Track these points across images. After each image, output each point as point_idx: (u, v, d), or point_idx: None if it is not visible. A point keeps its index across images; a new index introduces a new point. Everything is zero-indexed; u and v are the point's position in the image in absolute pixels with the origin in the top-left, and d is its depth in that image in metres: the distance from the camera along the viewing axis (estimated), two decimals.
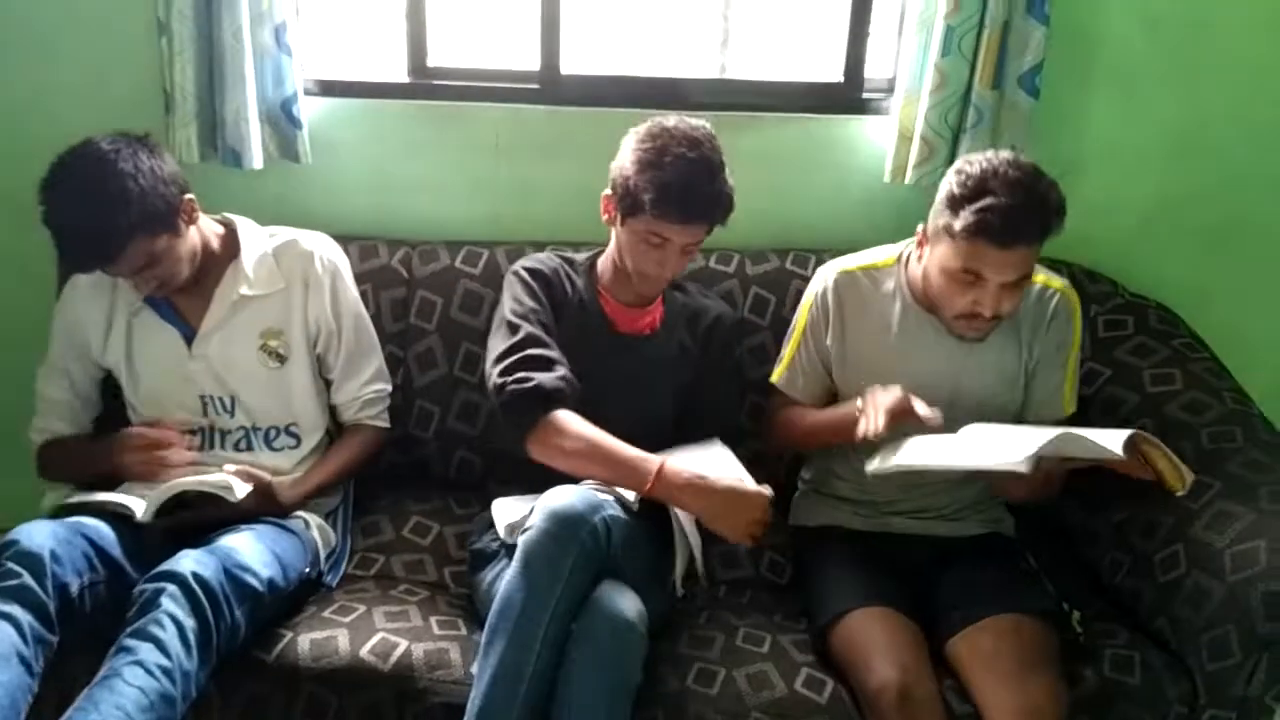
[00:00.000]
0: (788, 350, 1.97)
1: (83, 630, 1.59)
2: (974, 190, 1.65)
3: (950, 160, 2.17)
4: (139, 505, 1.71)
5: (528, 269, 1.92)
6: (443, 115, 2.27)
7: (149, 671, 1.47)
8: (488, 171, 2.29)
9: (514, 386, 1.75)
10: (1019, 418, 1.88)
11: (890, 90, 2.28)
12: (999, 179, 1.64)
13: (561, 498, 1.62)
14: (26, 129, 2.21)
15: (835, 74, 2.31)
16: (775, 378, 1.98)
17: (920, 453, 1.68)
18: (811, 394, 1.95)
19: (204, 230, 1.89)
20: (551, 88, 2.28)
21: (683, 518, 1.76)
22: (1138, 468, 1.60)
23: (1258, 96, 2.22)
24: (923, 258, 1.80)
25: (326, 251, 1.99)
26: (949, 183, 1.71)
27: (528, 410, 1.75)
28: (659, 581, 1.77)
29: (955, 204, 1.67)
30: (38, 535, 1.56)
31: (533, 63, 2.28)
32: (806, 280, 2.18)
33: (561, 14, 2.23)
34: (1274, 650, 1.66)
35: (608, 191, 1.84)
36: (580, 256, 2.01)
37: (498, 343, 1.83)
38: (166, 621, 1.52)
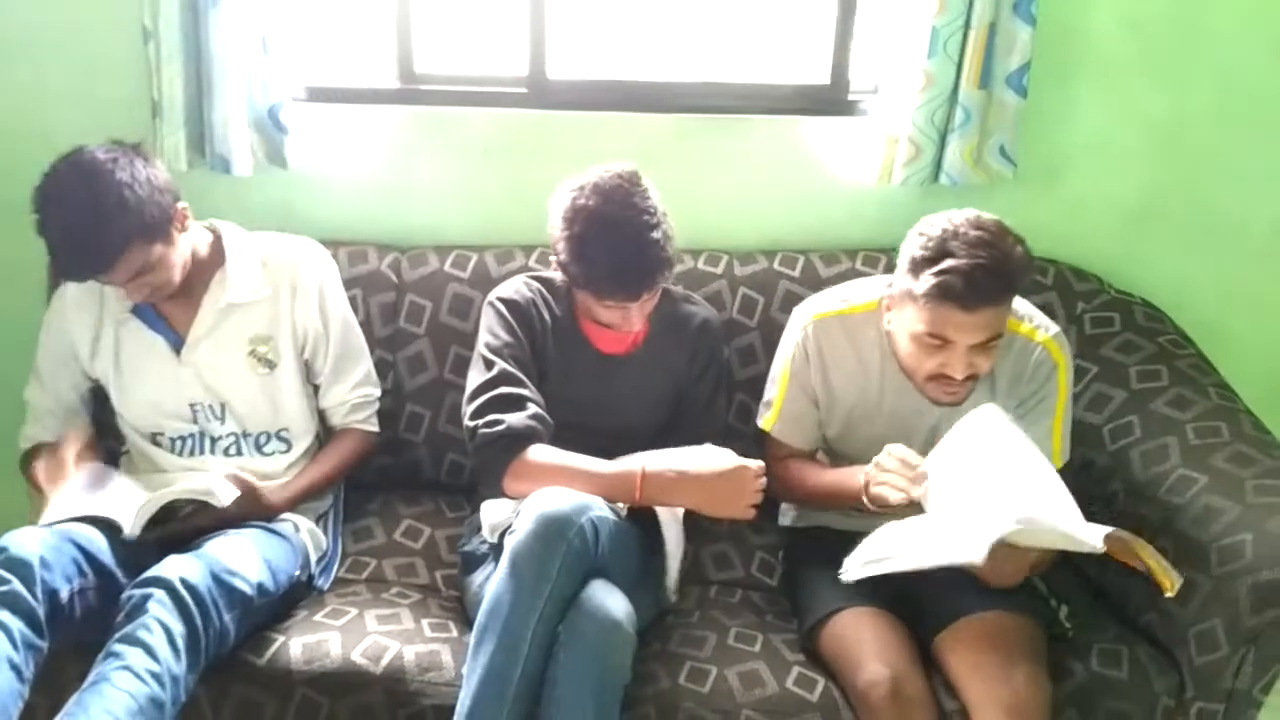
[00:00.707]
0: (776, 397, 1.90)
1: (72, 636, 1.60)
2: (935, 252, 1.61)
3: (938, 160, 2.18)
4: (127, 520, 1.70)
5: (504, 300, 1.91)
6: (431, 120, 2.27)
7: (137, 676, 1.48)
8: (476, 176, 2.29)
9: (484, 430, 1.76)
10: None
11: (877, 91, 2.29)
12: (960, 239, 1.60)
13: (548, 500, 1.62)
14: (15, 136, 2.21)
15: (822, 76, 2.31)
16: (768, 426, 1.91)
17: (885, 550, 1.61)
18: (807, 438, 1.91)
19: (193, 237, 1.89)
20: (539, 92, 2.29)
21: (666, 524, 1.76)
22: (1127, 557, 1.55)
23: (1242, 94, 2.23)
24: (890, 321, 1.76)
25: (314, 257, 2.00)
26: (910, 245, 1.66)
27: (499, 454, 1.75)
28: (647, 582, 1.78)
29: (916, 267, 1.63)
30: (27, 542, 1.57)
31: (520, 68, 2.28)
32: (795, 281, 2.20)
33: (548, 18, 2.24)
34: (1261, 643, 1.67)
35: (554, 257, 1.83)
36: (559, 278, 1.98)
37: (473, 377, 1.85)
38: (154, 626, 1.52)
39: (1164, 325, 2.19)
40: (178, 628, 1.54)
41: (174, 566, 1.60)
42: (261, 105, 2.16)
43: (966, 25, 2.08)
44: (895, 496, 1.65)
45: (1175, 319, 2.21)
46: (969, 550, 1.50)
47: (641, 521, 1.75)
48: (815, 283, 2.20)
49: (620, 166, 1.78)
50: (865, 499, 1.70)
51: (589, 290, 1.78)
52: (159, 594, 1.55)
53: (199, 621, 1.57)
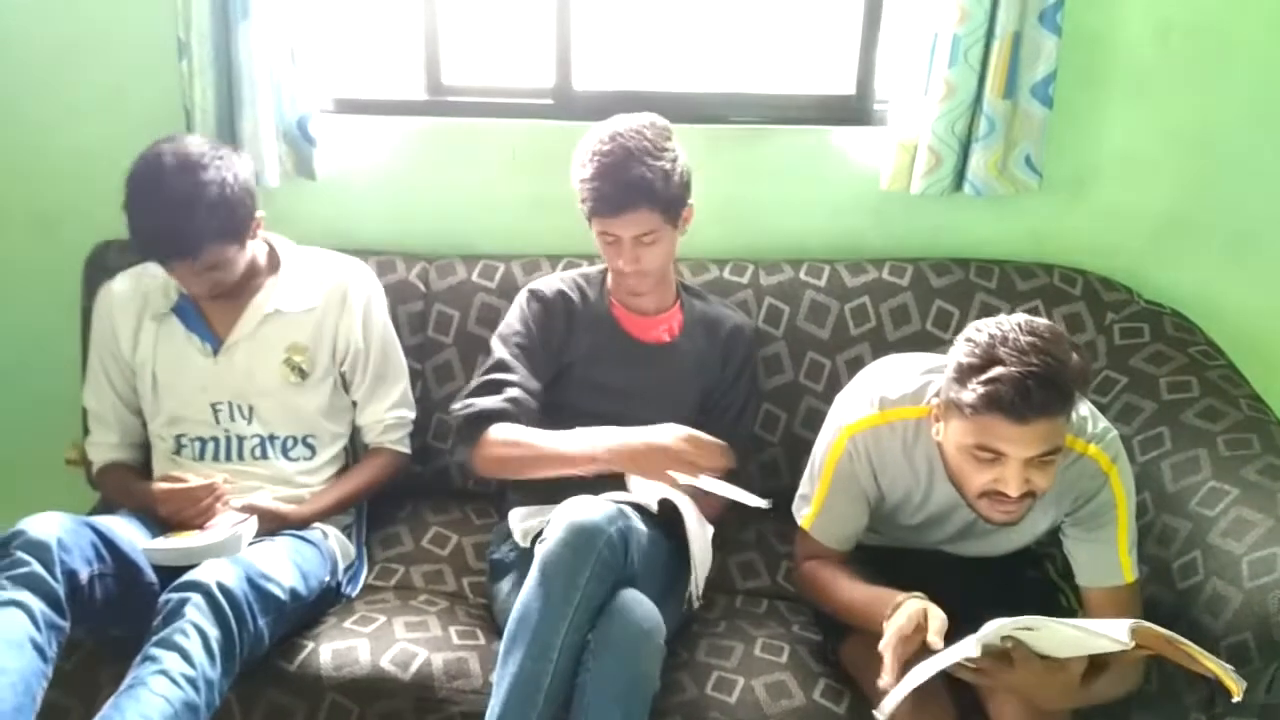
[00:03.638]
0: (816, 496, 1.77)
1: (94, 621, 1.62)
2: (983, 359, 1.48)
3: (960, 170, 2.17)
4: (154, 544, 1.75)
5: (531, 290, 1.99)
6: (458, 132, 2.29)
7: (173, 680, 1.50)
8: (503, 186, 2.31)
9: (459, 413, 1.88)
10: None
11: (897, 101, 2.29)
12: (1009, 346, 1.47)
13: (579, 509, 1.63)
14: (51, 146, 2.24)
15: (847, 86, 2.32)
16: (807, 525, 1.78)
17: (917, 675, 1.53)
18: (847, 537, 1.79)
19: (254, 244, 1.94)
20: (565, 103, 2.30)
21: (693, 532, 1.77)
22: (1166, 650, 1.47)
23: (1272, 101, 2.21)
24: (939, 432, 1.62)
25: (363, 279, 2.04)
26: (957, 352, 1.53)
27: (465, 433, 1.87)
28: (676, 591, 1.78)
29: (963, 376, 1.50)
30: (45, 525, 1.58)
31: (546, 79, 2.30)
32: (821, 291, 2.20)
33: (574, 30, 2.25)
34: None
35: None
36: (594, 270, 2.04)
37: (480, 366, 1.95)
38: (191, 631, 1.54)
39: (1194, 336, 2.17)
40: (213, 633, 1.56)
41: (211, 571, 1.62)
42: (290, 117, 2.19)
43: (989, 34, 2.07)
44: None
45: (1205, 330, 2.20)
46: (963, 648, 1.43)
47: (671, 531, 1.75)
48: (841, 292, 2.20)
49: (659, 116, 1.89)
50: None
51: (588, 206, 1.84)
52: (196, 598, 1.57)
53: (234, 626, 1.59)
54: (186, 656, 1.52)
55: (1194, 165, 2.26)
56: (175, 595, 1.59)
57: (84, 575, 1.58)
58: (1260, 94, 2.21)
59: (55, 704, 1.60)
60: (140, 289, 1.96)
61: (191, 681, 1.51)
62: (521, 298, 1.99)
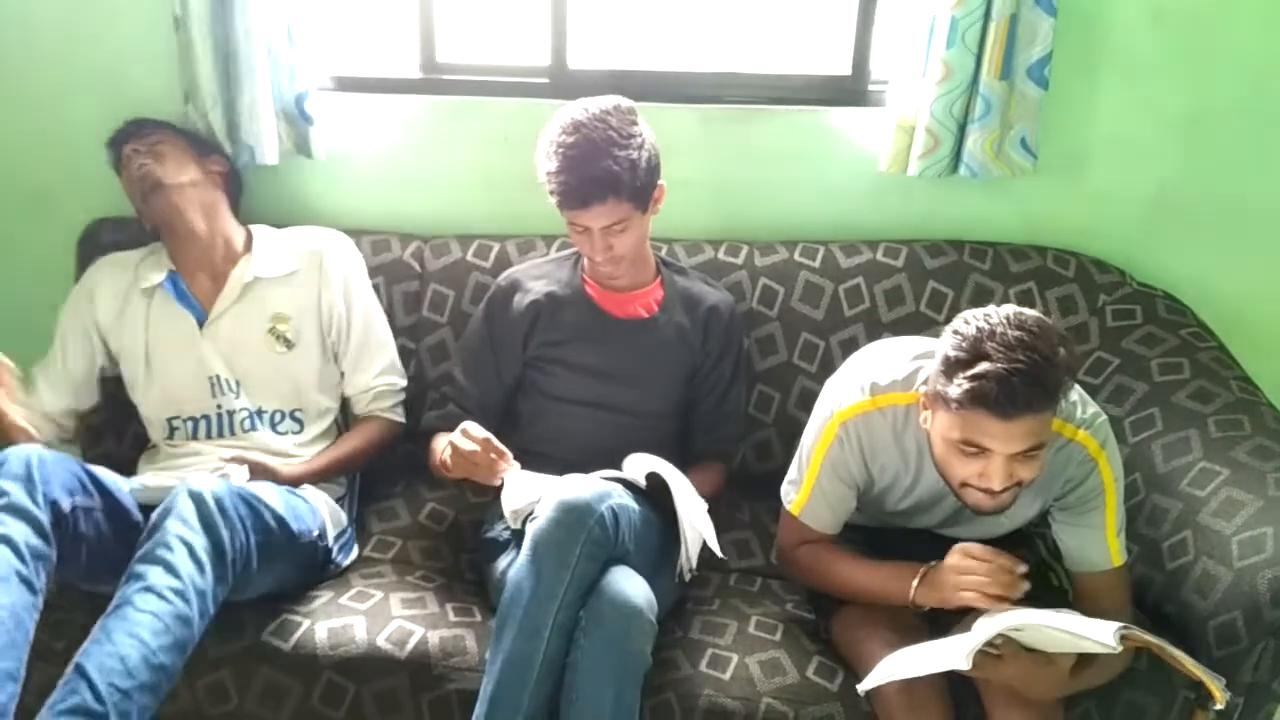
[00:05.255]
0: (805, 480, 1.76)
1: (80, 558, 1.58)
2: (969, 354, 1.46)
3: (956, 152, 2.17)
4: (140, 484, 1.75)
5: (491, 292, 2.05)
6: (453, 110, 2.28)
7: (160, 595, 1.47)
8: (498, 165, 2.30)
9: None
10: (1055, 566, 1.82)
11: (896, 83, 2.29)
12: (996, 340, 1.45)
13: (570, 488, 1.64)
14: (48, 124, 2.23)
15: (843, 67, 2.31)
16: (796, 510, 1.77)
17: (891, 667, 1.55)
18: (837, 522, 1.79)
19: (232, 225, 2.02)
20: (561, 82, 2.30)
21: (683, 508, 1.77)
22: (1159, 653, 1.48)
23: (1265, 85, 2.21)
24: (926, 420, 1.61)
25: (340, 244, 2.07)
26: (944, 344, 1.51)
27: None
28: (668, 568, 1.79)
29: (950, 370, 1.48)
30: (24, 453, 1.55)
31: (542, 58, 2.29)
32: (815, 272, 2.21)
33: (569, 8, 2.25)
34: None
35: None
36: (567, 252, 2.07)
37: None
38: (174, 542, 1.51)
39: (1186, 318, 2.18)
40: (199, 540, 1.53)
41: (196, 481, 1.60)
42: (287, 95, 2.18)
43: (986, 16, 2.07)
44: (980, 600, 1.54)
45: (1197, 312, 2.21)
46: (953, 657, 1.43)
47: (663, 508, 1.76)
48: (835, 273, 2.21)
49: (622, 98, 1.86)
50: (916, 600, 1.63)
51: (555, 199, 1.84)
52: (179, 506, 1.54)
53: (223, 532, 1.56)
54: (171, 569, 1.49)
55: (1187, 148, 2.26)
56: (159, 510, 1.56)
57: (66, 504, 1.55)
58: (1252, 77, 2.21)
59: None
60: (130, 263, 2.01)
61: (180, 593, 1.48)
62: (480, 308, 2.04)
